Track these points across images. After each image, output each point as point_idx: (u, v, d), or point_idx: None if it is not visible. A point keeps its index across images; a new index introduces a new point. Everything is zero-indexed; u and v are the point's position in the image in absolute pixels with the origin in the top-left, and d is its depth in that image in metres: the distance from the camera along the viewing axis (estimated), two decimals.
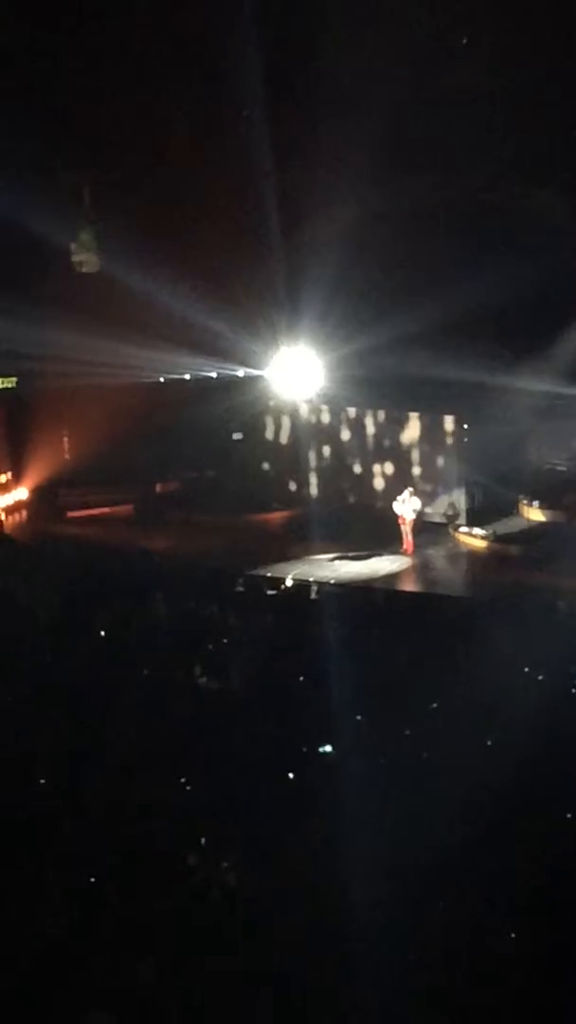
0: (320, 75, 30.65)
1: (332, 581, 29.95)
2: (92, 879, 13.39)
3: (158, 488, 38.95)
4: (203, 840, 14.23)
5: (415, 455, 35.99)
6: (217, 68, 30.30)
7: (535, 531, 33.74)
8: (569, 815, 14.60)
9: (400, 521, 32.91)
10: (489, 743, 17.05)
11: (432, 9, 29.39)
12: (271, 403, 38.38)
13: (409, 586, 30.93)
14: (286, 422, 38.91)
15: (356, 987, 11.59)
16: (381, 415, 36.77)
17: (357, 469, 37.36)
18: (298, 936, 12.30)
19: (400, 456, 36.30)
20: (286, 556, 32.21)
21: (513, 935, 12.39)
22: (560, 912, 12.52)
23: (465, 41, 29.72)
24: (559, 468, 36.50)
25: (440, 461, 35.46)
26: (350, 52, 29.67)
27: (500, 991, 11.44)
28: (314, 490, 38.40)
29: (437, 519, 34.77)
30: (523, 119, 29.86)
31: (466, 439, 34.93)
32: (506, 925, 12.49)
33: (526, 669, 20.33)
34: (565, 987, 11.39)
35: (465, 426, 34.85)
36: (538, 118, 29.74)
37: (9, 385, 36.66)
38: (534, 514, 34.58)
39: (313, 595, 28.51)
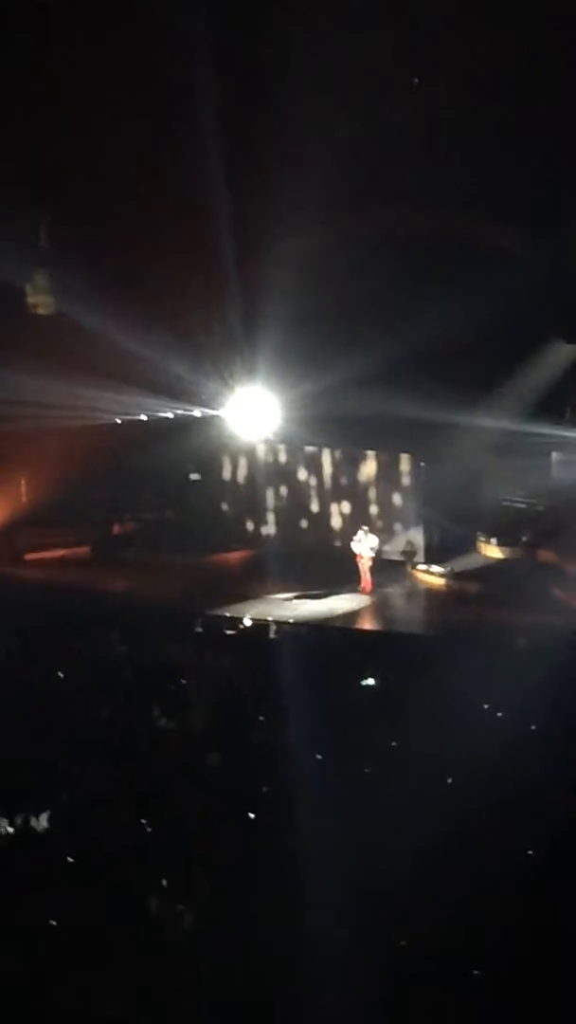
0: (274, 113, 30.77)
1: (291, 620, 29.91)
2: (51, 919, 13.29)
3: (116, 529, 38.84)
4: (163, 880, 14.15)
5: (372, 493, 36.05)
6: (171, 107, 30.39)
7: (493, 568, 33.81)
8: (530, 852, 14.59)
9: (358, 559, 32.93)
10: (449, 781, 17.04)
11: (383, 44, 29.57)
12: (228, 443, 38.37)
13: (368, 624, 30.94)
14: (243, 462, 38.91)
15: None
16: (338, 454, 36.84)
17: (315, 508, 37.40)
18: (259, 970, 12.28)
19: (358, 494, 36.36)
20: (244, 596, 32.14)
21: (475, 971, 12.40)
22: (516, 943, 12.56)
23: (417, 79, 29.88)
24: (516, 505, 36.61)
25: (397, 499, 35.53)
26: (303, 88, 29.79)
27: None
28: (272, 529, 38.39)
29: (395, 557, 34.79)
30: (482, 155, 30.09)
31: (423, 477, 35.03)
32: (465, 957, 12.51)
33: (485, 706, 20.36)
34: None
35: (422, 464, 34.95)
36: (496, 154, 29.97)
37: None
38: (492, 551, 34.66)
39: (272, 634, 28.49)
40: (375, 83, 29.73)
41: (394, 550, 34.95)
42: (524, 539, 34.20)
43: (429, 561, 34.35)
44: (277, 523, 38.34)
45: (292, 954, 12.48)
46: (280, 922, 13.02)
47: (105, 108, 30.53)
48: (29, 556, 37.00)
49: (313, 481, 37.44)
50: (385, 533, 34.81)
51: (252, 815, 15.97)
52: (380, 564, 33.50)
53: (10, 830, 15.57)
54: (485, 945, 12.66)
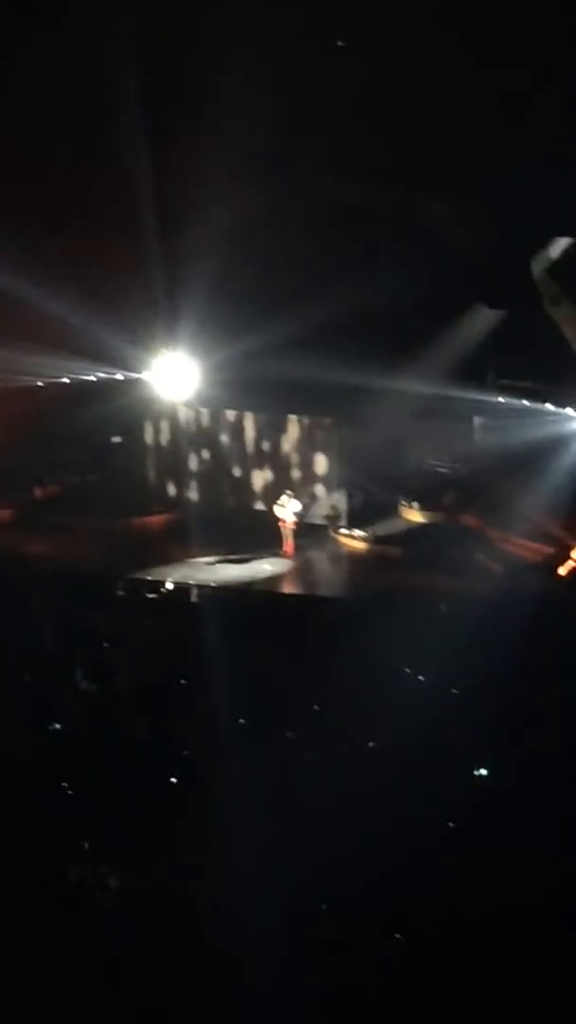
0: (199, 72, 30.53)
1: (213, 584, 29.90)
2: None
3: (38, 493, 38.57)
4: (85, 844, 14.17)
5: (295, 457, 36.05)
6: (92, 68, 30.03)
7: (415, 532, 33.96)
8: (450, 820, 14.72)
9: (280, 524, 32.97)
10: (371, 744, 17.16)
11: (309, 8, 29.40)
12: (150, 406, 38.19)
13: (289, 588, 31.00)
14: (165, 425, 38.76)
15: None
16: (261, 418, 36.80)
17: (237, 472, 37.34)
18: (183, 934, 12.33)
19: (280, 459, 36.36)
20: (166, 559, 32.04)
21: (397, 935, 12.51)
22: (436, 908, 12.69)
23: (342, 42, 29.72)
24: (439, 470, 36.77)
25: (320, 463, 35.55)
26: (229, 49, 29.58)
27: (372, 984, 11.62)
28: (194, 493, 38.31)
29: (318, 521, 34.85)
30: (404, 122, 30.00)
31: (345, 441, 35.07)
32: (386, 920, 12.61)
33: (407, 670, 20.49)
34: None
35: (344, 428, 34.98)
36: (420, 120, 29.90)
37: None
38: (414, 515, 34.80)
39: (194, 598, 28.49)
40: (300, 48, 29.55)
41: (317, 514, 35.00)
42: (446, 503, 34.38)
43: (351, 525, 34.43)
44: (199, 487, 38.26)
45: (213, 918, 12.54)
46: (201, 887, 13.07)
47: (23, 68, 30.15)
48: None
49: (235, 445, 37.38)
50: (307, 497, 34.85)
51: (174, 779, 16.00)
52: (303, 528, 33.55)
53: None
54: (407, 908, 12.78)
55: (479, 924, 12.54)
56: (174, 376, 36.02)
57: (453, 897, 12.94)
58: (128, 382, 36.98)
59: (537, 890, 13.12)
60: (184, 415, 38.06)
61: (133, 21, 28.95)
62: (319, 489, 35.49)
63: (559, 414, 32.60)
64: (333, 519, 34.67)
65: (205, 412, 37.75)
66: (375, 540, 33.42)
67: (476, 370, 34.10)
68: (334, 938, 12.37)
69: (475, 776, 15.78)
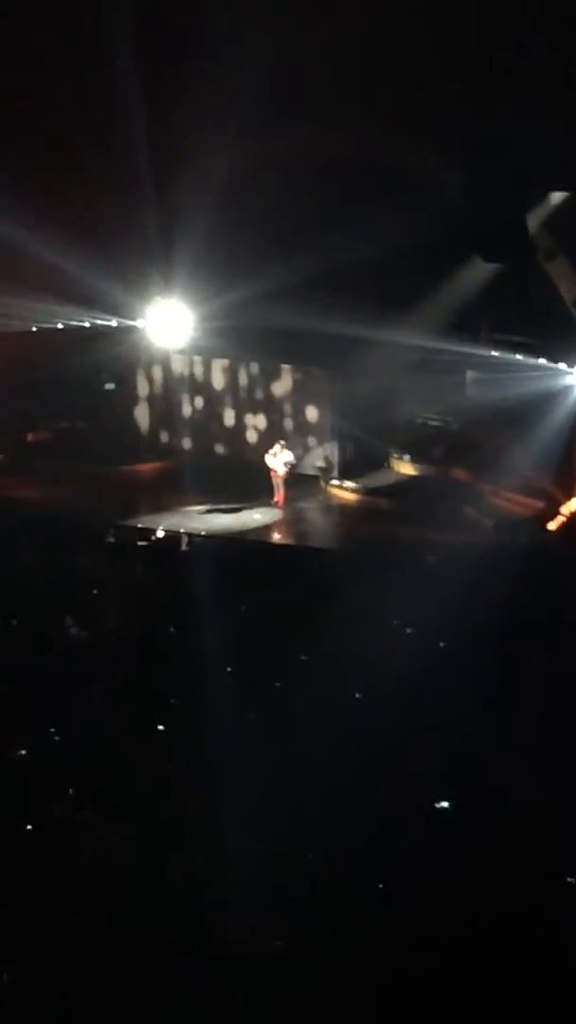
0: (192, 24, 30.34)
1: (203, 533, 29.95)
2: None
3: (29, 438, 38.53)
4: (70, 790, 14.26)
5: (288, 407, 36.01)
6: (87, 23, 29.84)
7: (406, 485, 33.97)
8: (436, 773, 14.81)
9: (272, 474, 32.98)
10: (357, 695, 17.26)
11: None
12: (144, 354, 38.09)
13: (279, 538, 31.05)
14: (158, 373, 38.68)
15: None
16: (254, 367, 36.72)
17: (229, 421, 37.30)
18: (166, 880, 12.43)
19: (273, 408, 36.31)
20: (158, 507, 32.07)
21: (379, 884, 12.61)
22: (421, 861, 12.78)
23: None
24: (431, 423, 36.72)
25: (313, 414, 35.52)
26: (222, 3, 29.43)
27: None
28: (186, 442, 38.26)
29: (310, 472, 34.85)
30: (397, 74, 29.84)
31: (338, 392, 35.04)
32: (370, 876, 12.71)
33: (395, 622, 20.58)
34: None
35: (337, 379, 34.95)
36: (412, 74, 29.74)
37: None
38: (405, 468, 34.80)
39: (184, 546, 28.54)
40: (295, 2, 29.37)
41: (309, 465, 35.01)
42: (437, 456, 34.38)
43: (343, 477, 34.46)
44: (192, 435, 38.24)
45: (196, 864, 12.64)
46: (186, 834, 13.17)
47: (18, 22, 29.99)
48: None
49: (228, 394, 37.33)
50: (299, 448, 34.84)
51: (161, 727, 16.09)
52: (294, 479, 33.56)
53: None
54: (391, 861, 12.88)
55: (462, 876, 12.66)
56: (168, 324, 35.89)
57: (438, 854, 13.04)
58: (122, 329, 36.85)
59: (521, 849, 13.23)
60: (177, 363, 37.98)
61: None
62: (311, 440, 35.48)
63: (552, 369, 32.57)
64: (325, 470, 34.69)
65: (198, 360, 37.67)
66: (366, 491, 33.46)
67: (470, 324, 34.01)
68: (317, 889, 12.47)
69: (460, 725, 15.83)
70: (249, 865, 12.54)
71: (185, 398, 38.18)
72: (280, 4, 28.65)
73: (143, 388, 39.15)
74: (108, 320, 36.29)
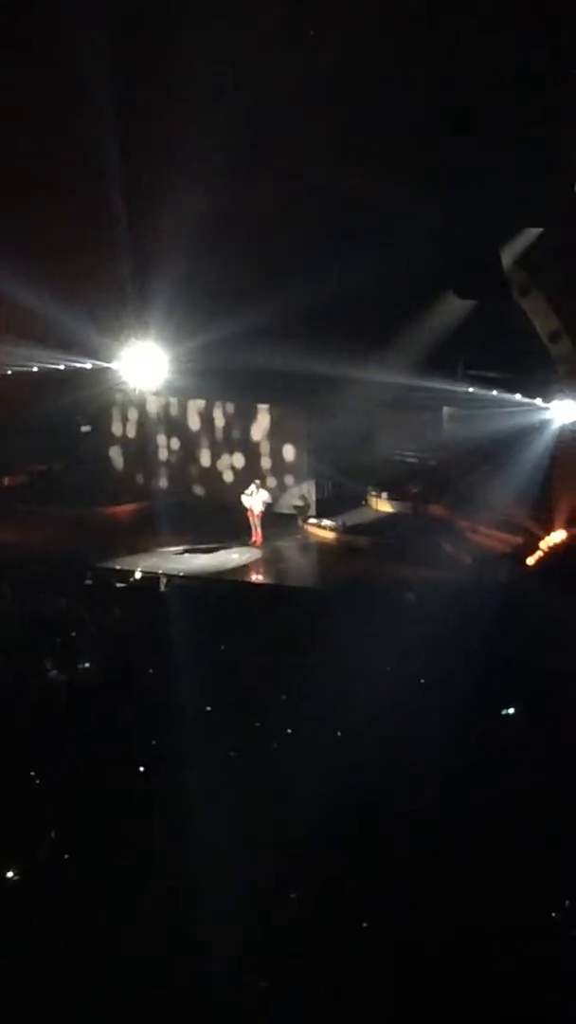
0: (169, 67, 30.48)
1: (181, 573, 29.86)
2: None
3: (6, 481, 38.46)
4: (52, 833, 14.15)
5: (264, 447, 36.01)
6: (63, 61, 29.94)
7: (383, 522, 33.97)
8: (417, 809, 14.73)
9: (249, 513, 32.94)
10: (339, 734, 17.18)
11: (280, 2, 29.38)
12: (119, 395, 38.11)
13: (258, 578, 30.98)
14: (134, 415, 38.67)
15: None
16: (230, 407, 36.74)
17: (206, 461, 37.29)
18: (149, 921, 12.34)
19: (249, 448, 36.31)
20: (135, 548, 32.01)
21: (364, 924, 12.53)
22: (407, 898, 12.72)
23: (312, 32, 29.69)
24: (408, 459, 36.80)
25: (289, 453, 35.52)
26: (199, 44, 29.54)
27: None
28: (163, 482, 38.24)
29: (287, 511, 34.83)
30: (372, 113, 30.00)
31: (315, 431, 35.05)
32: (355, 913, 12.63)
33: (375, 659, 20.50)
34: None
35: (313, 418, 34.97)
36: (388, 113, 29.91)
37: None
38: (382, 505, 34.83)
39: (162, 587, 28.45)
40: (269, 41, 29.50)
41: (286, 504, 34.98)
42: (414, 493, 34.41)
43: (320, 515, 34.43)
44: (168, 476, 38.21)
45: (179, 904, 12.54)
46: (168, 874, 13.07)
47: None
48: None
49: (204, 434, 37.33)
50: (277, 487, 34.84)
51: (142, 768, 15.99)
52: (272, 518, 33.54)
53: None
54: (373, 896, 12.80)
55: (445, 914, 12.57)
56: (143, 365, 35.94)
57: (419, 887, 12.96)
58: (97, 371, 36.86)
59: (504, 877, 13.16)
60: (153, 404, 37.97)
61: (107, 13, 28.93)
62: (288, 479, 35.45)
63: (528, 404, 32.66)
64: (302, 509, 34.66)
65: (174, 401, 37.66)
66: (344, 530, 33.41)
67: (446, 360, 34.12)
68: (301, 926, 12.38)
69: (442, 764, 15.75)
70: (232, 904, 12.44)
71: (161, 439, 38.14)
72: (253, 45, 28.79)
73: (119, 430, 39.11)
74: (83, 362, 36.29)
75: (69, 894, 13.11)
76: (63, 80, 30.47)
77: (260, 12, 28.83)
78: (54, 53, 30.11)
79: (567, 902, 12.92)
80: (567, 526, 29.74)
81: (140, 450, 38.64)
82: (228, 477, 36.75)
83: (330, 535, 33.56)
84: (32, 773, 15.90)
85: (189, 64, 29.87)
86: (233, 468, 36.66)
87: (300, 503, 34.79)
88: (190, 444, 37.56)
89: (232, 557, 31.94)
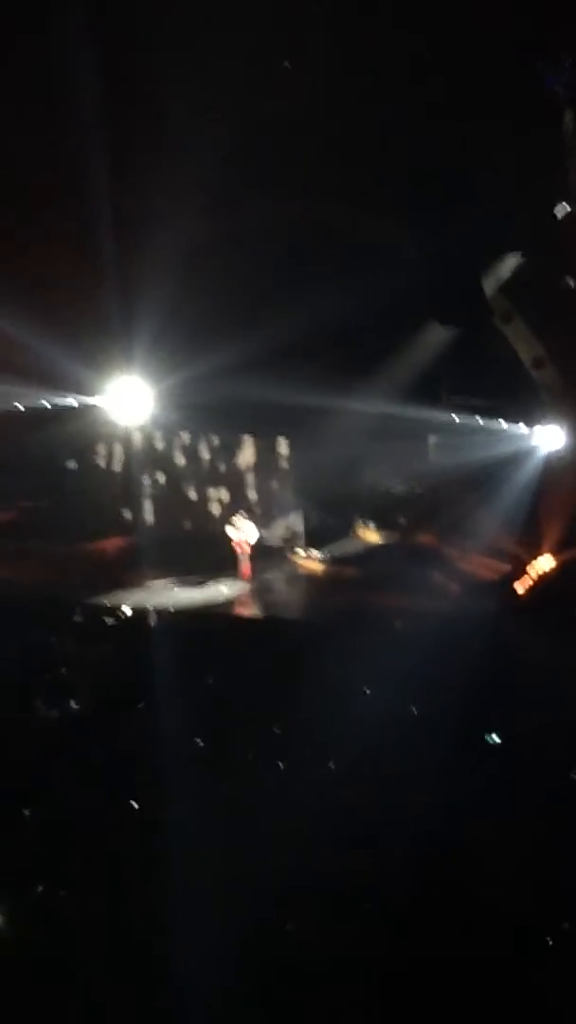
0: (154, 101, 30.57)
1: (170, 608, 29.81)
2: None
3: None
4: (43, 870, 14.05)
5: (251, 479, 36.04)
6: (48, 86, 30.00)
7: (371, 552, 33.97)
8: (409, 841, 14.67)
9: (236, 546, 32.91)
10: (330, 765, 17.12)
11: (262, 35, 29.49)
12: (105, 431, 38.10)
13: (246, 611, 30.94)
14: (120, 449, 38.67)
15: None
16: (215, 440, 36.78)
17: (193, 495, 37.30)
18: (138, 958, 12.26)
19: (236, 481, 36.33)
20: (123, 584, 31.94)
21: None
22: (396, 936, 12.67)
23: (289, 65, 29.82)
24: (394, 489, 36.84)
25: (276, 485, 35.55)
26: (183, 78, 29.65)
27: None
28: (150, 517, 38.22)
29: (275, 543, 34.82)
30: (356, 144, 30.13)
31: (301, 462, 35.08)
32: (344, 946, 12.58)
33: (367, 691, 20.47)
34: None
35: (299, 449, 35.00)
36: (371, 144, 30.03)
37: None
38: (370, 535, 34.84)
39: (151, 622, 28.39)
40: (251, 69, 29.61)
41: (273, 536, 34.97)
42: (402, 523, 34.41)
43: (308, 547, 34.41)
44: (155, 510, 38.18)
45: (166, 945, 12.47)
46: (157, 913, 13.01)
47: None
48: None
49: (191, 467, 37.34)
50: (264, 519, 34.82)
51: (133, 803, 15.92)
52: (259, 550, 33.52)
53: None
54: (367, 933, 12.75)
55: (441, 947, 12.51)
56: (128, 400, 35.93)
57: (415, 921, 12.90)
58: (82, 406, 36.84)
59: (498, 911, 13.11)
60: (139, 439, 37.97)
61: (87, 45, 28.99)
62: (275, 510, 35.45)
63: (513, 431, 32.73)
64: (289, 540, 34.65)
65: (160, 435, 37.67)
66: (331, 561, 33.41)
67: (429, 388, 34.18)
68: (290, 964, 12.31)
69: (432, 796, 15.69)
70: (222, 939, 12.37)
71: (147, 473, 38.13)
72: (235, 74, 28.89)
73: (105, 465, 39.10)
74: (68, 397, 36.26)
75: (58, 931, 13.04)
76: (46, 113, 30.54)
77: (243, 43, 28.97)
78: (36, 88, 30.20)
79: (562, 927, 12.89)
80: (555, 552, 29.73)
81: (126, 485, 38.63)
82: (215, 510, 36.74)
83: (318, 566, 33.54)
84: (25, 810, 15.82)
85: (172, 97, 29.98)
86: (220, 501, 36.66)
87: (287, 535, 34.78)
88: (176, 477, 37.56)
89: (221, 590, 31.90)
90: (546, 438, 32.08)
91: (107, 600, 30.10)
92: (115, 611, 28.94)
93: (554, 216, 30.82)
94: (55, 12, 28.71)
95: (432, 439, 35.95)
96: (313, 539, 34.81)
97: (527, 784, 16.28)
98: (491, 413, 33.33)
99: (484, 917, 12.90)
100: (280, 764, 17.22)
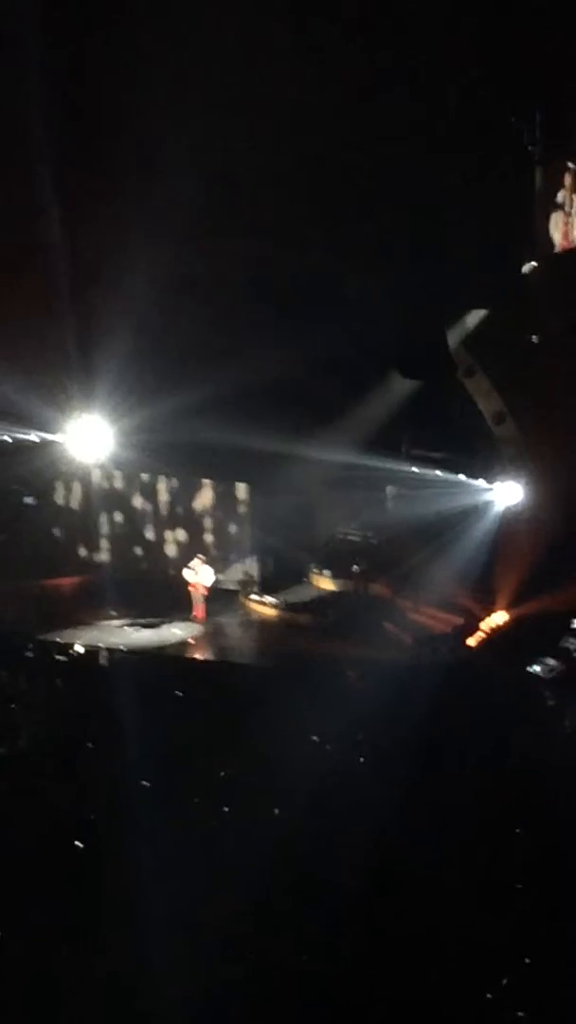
0: (123, 138, 30.74)
1: (123, 648, 29.76)
2: None
3: None
4: None
5: (208, 522, 36.12)
6: (17, 125, 30.10)
7: (325, 600, 34.05)
8: (356, 889, 14.67)
9: (191, 588, 32.92)
10: (276, 812, 17.09)
11: (234, 80, 29.70)
12: (64, 468, 38.11)
13: (199, 653, 30.92)
14: (78, 487, 38.70)
15: None
16: (174, 481, 36.84)
17: (150, 535, 37.33)
18: (84, 1005, 12.19)
19: (193, 523, 36.39)
20: (77, 622, 31.91)
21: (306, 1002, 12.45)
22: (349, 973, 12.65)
23: (270, 105, 30.03)
24: (350, 537, 36.97)
25: (233, 528, 35.64)
26: (154, 113, 29.83)
27: None
28: (106, 556, 38.21)
29: (230, 586, 34.85)
30: (325, 196, 30.38)
31: (259, 507, 35.16)
32: (294, 991, 12.55)
33: (314, 738, 20.47)
34: None
35: (257, 494, 35.09)
36: (341, 196, 30.30)
37: None
38: (324, 583, 34.93)
39: (104, 661, 28.33)
40: (226, 117, 29.82)
41: (229, 580, 35.00)
42: (356, 572, 34.48)
43: (262, 591, 34.45)
44: (112, 549, 38.17)
45: (115, 987, 12.41)
46: (105, 954, 12.94)
47: None
48: None
49: (148, 508, 37.37)
50: (220, 562, 34.87)
51: (79, 844, 15.84)
52: (214, 593, 33.55)
53: None
54: (314, 979, 12.73)
55: (391, 992, 12.51)
56: (88, 438, 35.95)
57: (364, 969, 12.90)
58: (42, 443, 36.83)
59: (449, 958, 13.12)
60: (98, 477, 37.99)
61: (57, 82, 29.15)
62: (231, 554, 35.50)
63: (472, 485, 32.92)
64: (245, 584, 34.67)
65: (119, 475, 37.70)
66: (285, 607, 33.46)
67: (390, 439, 34.38)
68: (240, 1008, 12.27)
69: (376, 846, 15.69)
70: (171, 984, 12.33)
71: (105, 512, 38.14)
72: (210, 121, 29.10)
73: (63, 502, 39.08)
74: (27, 434, 36.24)
75: (9, 977, 12.94)
76: (12, 150, 30.64)
77: (221, 89, 29.21)
78: (12, 115, 30.32)
79: (503, 980, 12.89)
80: (508, 608, 29.85)
81: (84, 523, 38.63)
82: (171, 551, 36.78)
83: (272, 612, 33.59)
84: None
85: (144, 137, 30.16)
86: (177, 542, 36.68)
87: (243, 579, 34.81)
88: (134, 517, 37.58)
89: (174, 632, 31.91)
90: (504, 494, 32.26)
91: (60, 637, 30.05)
92: (68, 649, 28.87)
93: (520, 272, 31.14)
94: (26, 49, 28.90)
95: (390, 490, 36.15)
96: (268, 584, 34.86)
97: (473, 834, 16.32)
98: (450, 467, 33.55)
99: (428, 964, 12.91)
100: (225, 808, 17.19)
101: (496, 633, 29.45)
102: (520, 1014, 12.32)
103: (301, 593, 34.59)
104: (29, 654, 27.55)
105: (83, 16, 30.38)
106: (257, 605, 34.11)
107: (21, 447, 37.20)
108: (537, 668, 26.03)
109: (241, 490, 35.63)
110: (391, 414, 34.30)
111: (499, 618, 29.76)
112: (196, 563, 33.12)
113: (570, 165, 30.54)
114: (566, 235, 30.86)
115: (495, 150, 30.09)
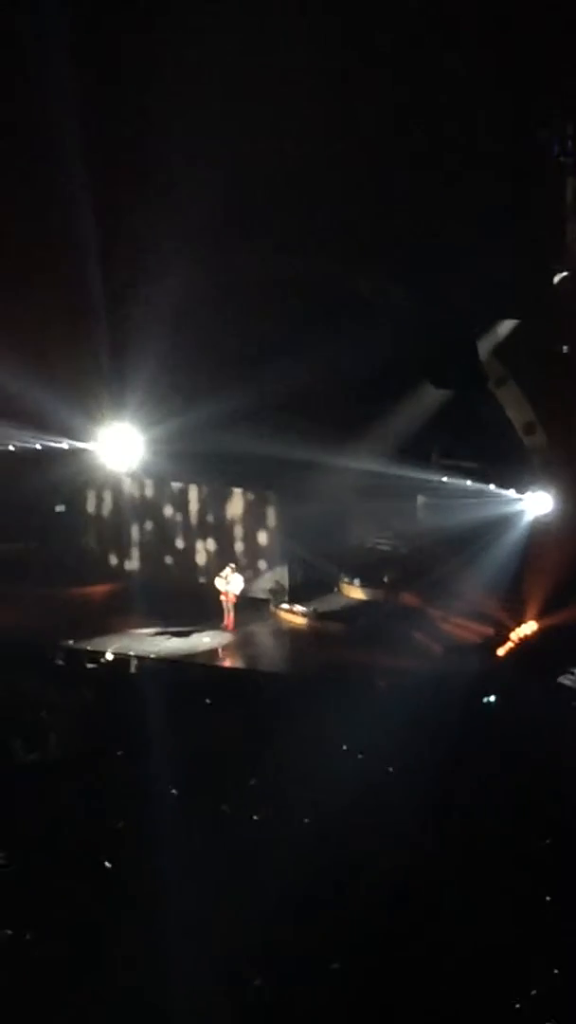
0: (149, 149, 30.83)
1: (152, 656, 29.81)
2: None
3: None
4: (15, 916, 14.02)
5: (238, 531, 36.06)
6: (42, 136, 30.22)
7: (355, 609, 33.97)
8: (386, 895, 14.67)
9: (222, 597, 32.91)
10: (306, 820, 17.12)
11: (259, 87, 29.72)
12: (95, 476, 38.14)
13: (229, 662, 30.91)
14: (109, 495, 38.73)
15: None
16: (205, 490, 36.82)
17: (180, 544, 37.30)
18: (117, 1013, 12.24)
19: (224, 532, 36.35)
20: (107, 630, 31.92)
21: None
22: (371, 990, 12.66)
23: (291, 118, 30.04)
24: (380, 547, 36.94)
25: (263, 537, 35.56)
26: (174, 127, 29.90)
27: None
28: (137, 564, 38.22)
29: (260, 595, 34.80)
30: (356, 204, 30.38)
31: (289, 516, 35.11)
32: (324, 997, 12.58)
33: (344, 747, 20.48)
34: None
35: (288, 503, 35.03)
36: (371, 204, 30.29)
37: None
38: (354, 592, 34.84)
39: (133, 669, 28.38)
40: (249, 125, 29.84)
41: (259, 589, 34.96)
42: (387, 581, 34.41)
43: (293, 601, 34.40)
44: (142, 558, 38.19)
45: (145, 997, 12.44)
46: (135, 962, 12.98)
47: None
48: None
49: (179, 517, 37.38)
50: (250, 571, 34.81)
51: (108, 852, 15.89)
52: (244, 602, 33.47)
53: None
54: (345, 985, 12.75)
55: (421, 1000, 12.52)
56: (120, 446, 36.01)
57: (394, 972, 12.91)
58: (73, 451, 36.90)
59: (475, 964, 13.12)
60: (128, 485, 38.04)
61: (82, 95, 29.26)
62: (261, 563, 35.47)
63: (502, 495, 32.85)
64: (275, 593, 34.64)
65: (149, 483, 37.74)
66: (315, 616, 33.39)
67: (421, 449, 34.36)
68: (271, 1017, 12.31)
69: (409, 850, 15.69)
70: (201, 993, 12.36)
71: (136, 520, 38.18)
72: (233, 129, 29.15)
73: (94, 510, 39.17)
74: (59, 442, 36.32)
75: (36, 980, 12.99)
76: (42, 164, 30.78)
77: (242, 95, 29.27)
78: (31, 135, 30.45)
79: (533, 991, 12.88)
80: (538, 618, 29.77)
81: (114, 531, 38.68)
82: (201, 560, 36.77)
83: (302, 621, 33.53)
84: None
85: (168, 149, 30.24)
86: (207, 551, 36.68)
87: (273, 588, 34.78)
88: (164, 525, 37.59)
89: (204, 640, 31.86)
90: (534, 503, 32.19)
91: (90, 645, 30.10)
92: (97, 657, 28.95)
93: (551, 282, 31.10)
94: (52, 63, 29.02)
95: (420, 499, 36.10)
96: (298, 593, 34.78)
97: (502, 845, 16.30)
98: (480, 476, 33.49)
99: (452, 980, 12.91)
100: (254, 817, 17.22)
101: (526, 643, 29.38)
102: None
103: (331, 602, 34.48)
104: (60, 662, 27.65)
105: (112, 24, 30.50)
106: (287, 614, 34.04)
107: (52, 455, 37.28)
108: (567, 680, 25.99)
109: (272, 498, 35.56)
110: (422, 423, 34.26)
111: (529, 628, 29.69)
112: (227, 572, 33.10)
113: None
114: None
115: (527, 161, 30.06)
